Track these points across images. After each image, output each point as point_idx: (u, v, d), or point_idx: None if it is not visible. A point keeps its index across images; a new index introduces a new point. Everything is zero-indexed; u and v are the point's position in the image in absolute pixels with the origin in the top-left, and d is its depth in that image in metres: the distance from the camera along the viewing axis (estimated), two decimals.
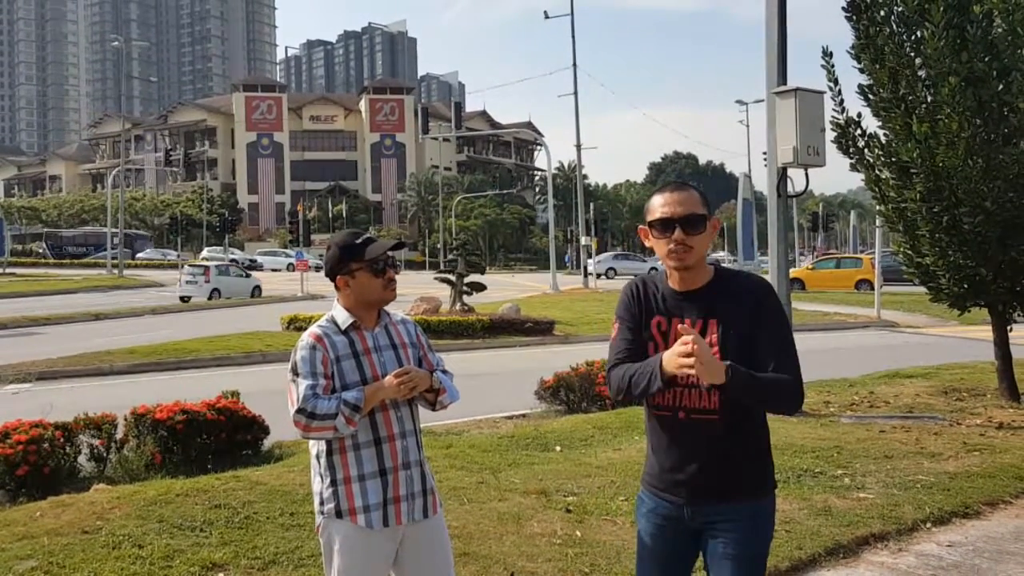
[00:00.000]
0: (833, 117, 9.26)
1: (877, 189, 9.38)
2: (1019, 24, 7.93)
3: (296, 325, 18.13)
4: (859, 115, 9.27)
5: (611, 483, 6.01)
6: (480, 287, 20.77)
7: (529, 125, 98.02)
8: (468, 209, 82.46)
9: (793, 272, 28.44)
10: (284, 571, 4.41)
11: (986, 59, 8.11)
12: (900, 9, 8.74)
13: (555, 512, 5.36)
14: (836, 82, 9.28)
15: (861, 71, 9.13)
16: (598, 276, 40.57)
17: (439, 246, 55.75)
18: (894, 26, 8.78)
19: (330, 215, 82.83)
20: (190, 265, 35.05)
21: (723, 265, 2.87)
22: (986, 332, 10.28)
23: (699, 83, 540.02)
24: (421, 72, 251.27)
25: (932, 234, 8.79)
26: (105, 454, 6.99)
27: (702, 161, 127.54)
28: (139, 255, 59.47)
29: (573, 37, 39.70)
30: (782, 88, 9.00)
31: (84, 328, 21.14)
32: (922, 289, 10.08)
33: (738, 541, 2.48)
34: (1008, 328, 9.46)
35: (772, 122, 9.06)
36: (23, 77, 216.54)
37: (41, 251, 64.00)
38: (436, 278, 22.52)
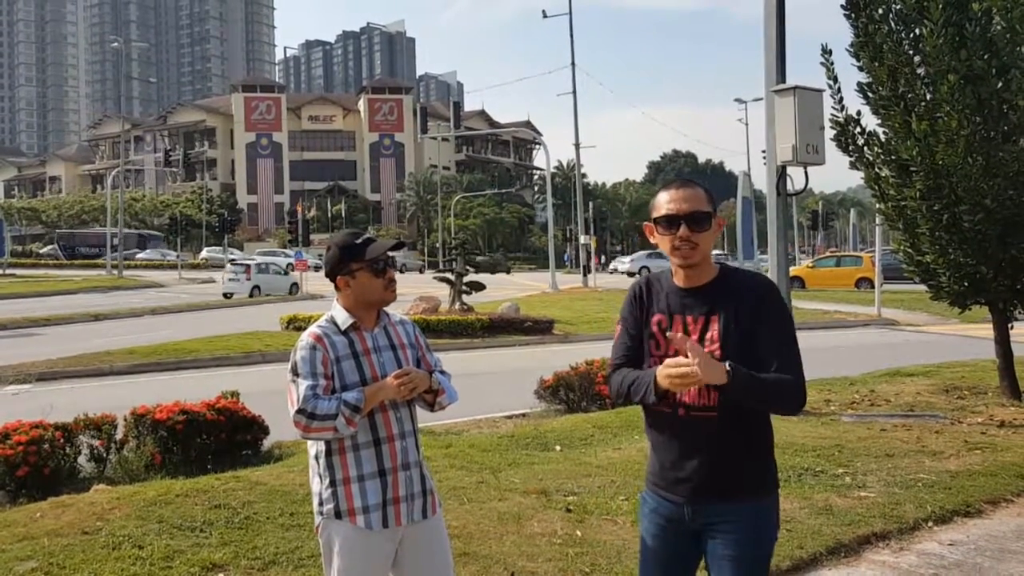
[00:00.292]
0: (832, 115, 9.25)
1: (877, 187, 9.37)
2: (1018, 21, 7.92)
3: (295, 325, 18.14)
4: (858, 113, 9.27)
5: (611, 482, 6.00)
6: (479, 286, 20.77)
7: (528, 124, 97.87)
8: (467, 208, 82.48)
9: (793, 270, 28.46)
10: (284, 571, 4.40)
11: (985, 56, 8.10)
12: (899, 7, 8.75)
13: (555, 512, 5.35)
14: (835, 80, 9.26)
15: (860, 69, 9.12)
16: (631, 275, 40.90)
17: (438, 245, 55.69)
18: (893, 24, 8.78)
19: (329, 215, 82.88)
20: (232, 264, 36.53)
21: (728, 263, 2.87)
22: (987, 330, 10.27)
23: (698, 81, 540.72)
24: (420, 72, 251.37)
25: (932, 232, 8.78)
26: (105, 455, 6.99)
27: (701, 160, 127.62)
28: (139, 255, 59.49)
29: (572, 36, 39.66)
30: (781, 86, 8.98)
31: (84, 329, 21.13)
32: (922, 287, 10.08)
33: (738, 542, 2.46)
34: (1009, 326, 9.45)
35: (771, 120, 9.04)
36: (23, 78, 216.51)
37: (53, 252, 63.69)
38: (435, 277, 22.55)
